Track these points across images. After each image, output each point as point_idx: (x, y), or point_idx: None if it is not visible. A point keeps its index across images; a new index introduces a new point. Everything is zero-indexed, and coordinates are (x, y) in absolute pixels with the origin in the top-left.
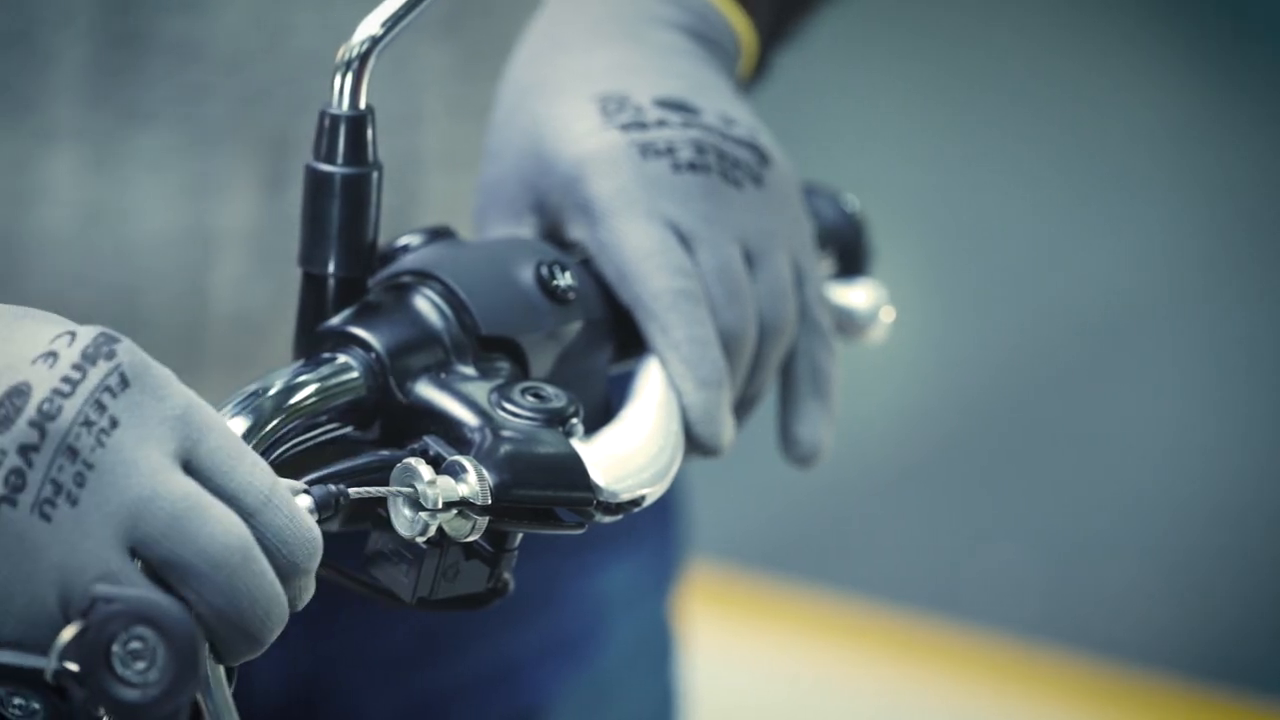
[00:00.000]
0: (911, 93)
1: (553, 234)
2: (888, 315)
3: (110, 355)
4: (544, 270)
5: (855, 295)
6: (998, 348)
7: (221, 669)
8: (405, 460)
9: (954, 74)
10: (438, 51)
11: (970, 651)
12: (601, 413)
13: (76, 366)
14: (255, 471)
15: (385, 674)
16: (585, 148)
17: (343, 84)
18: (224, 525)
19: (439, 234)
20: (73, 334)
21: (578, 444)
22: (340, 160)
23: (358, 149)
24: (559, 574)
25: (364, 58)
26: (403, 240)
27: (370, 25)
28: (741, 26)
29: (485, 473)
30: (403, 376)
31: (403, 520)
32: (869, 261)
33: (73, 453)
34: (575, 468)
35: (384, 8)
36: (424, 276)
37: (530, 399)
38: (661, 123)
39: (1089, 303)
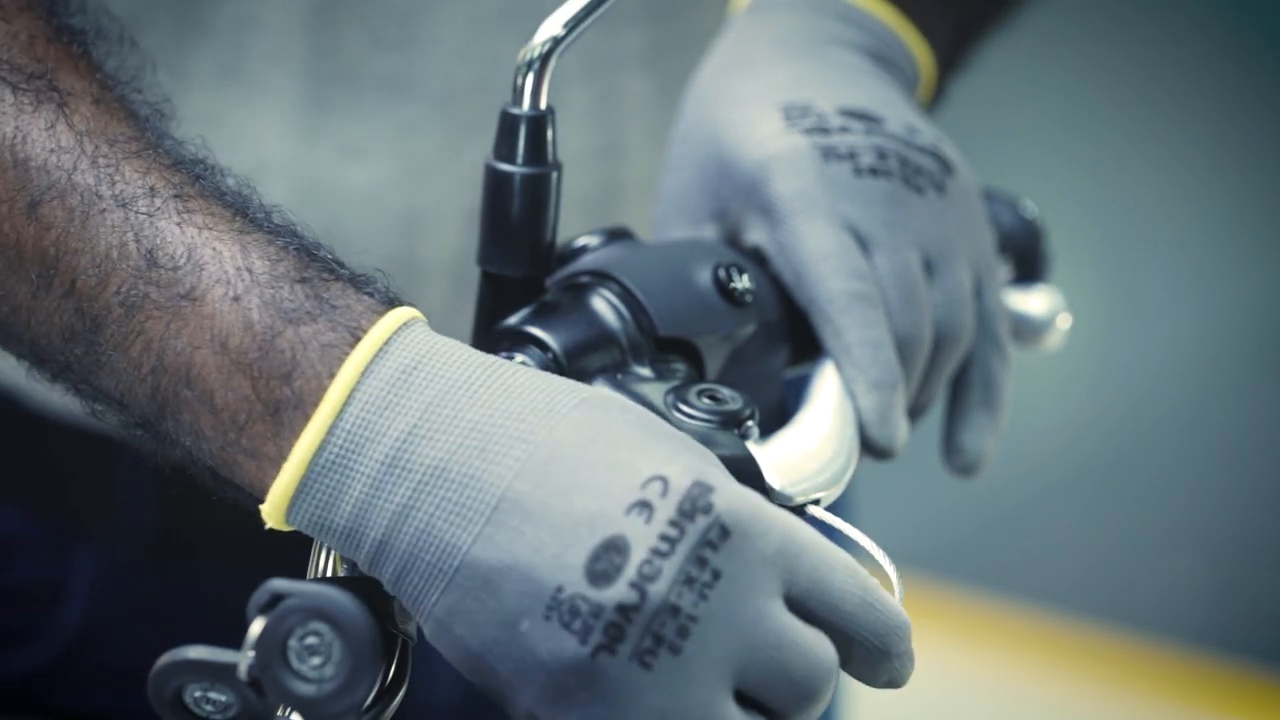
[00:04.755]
0: (1090, 99)
1: (732, 241)
2: (1064, 322)
3: (708, 509)
4: (722, 272)
5: (1032, 301)
6: (1169, 354)
7: None
8: None
9: (1135, 81)
10: (639, 83)
11: (1136, 660)
12: (777, 415)
13: (674, 523)
14: (849, 579)
15: None
16: (768, 150)
17: (524, 84)
18: (813, 658)
19: (617, 235)
20: (665, 481)
21: (753, 446)
22: (520, 160)
23: (538, 149)
24: None
25: (545, 58)
26: (581, 240)
27: (552, 26)
28: (921, 53)
29: None
30: (579, 376)
31: None
32: (1047, 268)
33: (674, 610)
34: (750, 470)
35: (565, 9)
36: (602, 277)
37: (706, 401)
38: (844, 129)
39: (1262, 310)
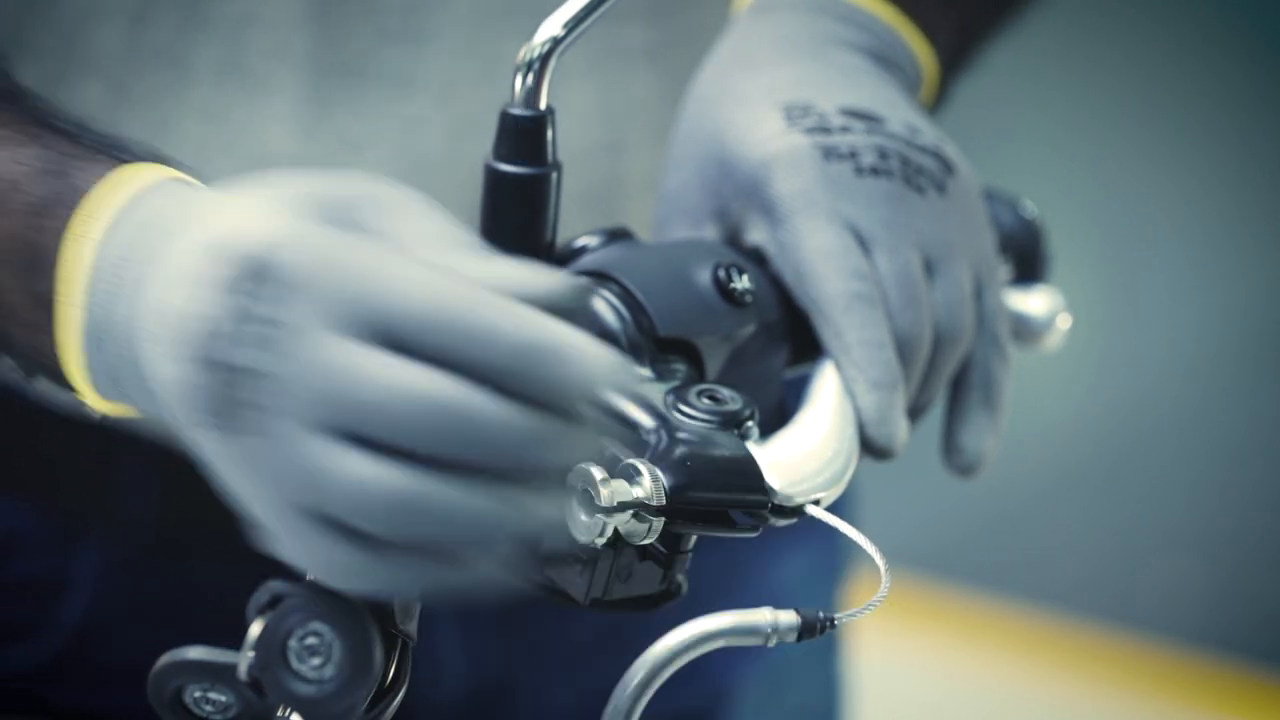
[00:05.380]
0: (1090, 100)
1: (733, 241)
2: (1064, 322)
3: (251, 259)
4: (721, 273)
5: (1032, 302)
6: (1169, 354)
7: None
8: (579, 465)
9: (1135, 81)
10: (642, 80)
11: (1136, 660)
12: (777, 416)
13: (225, 285)
14: (444, 310)
15: (569, 666)
16: (769, 150)
17: (523, 84)
18: (407, 394)
19: (617, 235)
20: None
21: (753, 447)
22: (519, 160)
23: (537, 149)
24: (738, 564)
25: (545, 59)
26: (580, 241)
27: (551, 26)
28: (923, 54)
29: (660, 475)
30: None
31: (579, 525)
32: (1046, 268)
33: (248, 372)
34: (750, 470)
35: (565, 9)
36: (601, 277)
37: (706, 401)
38: (845, 129)
39: (1262, 310)
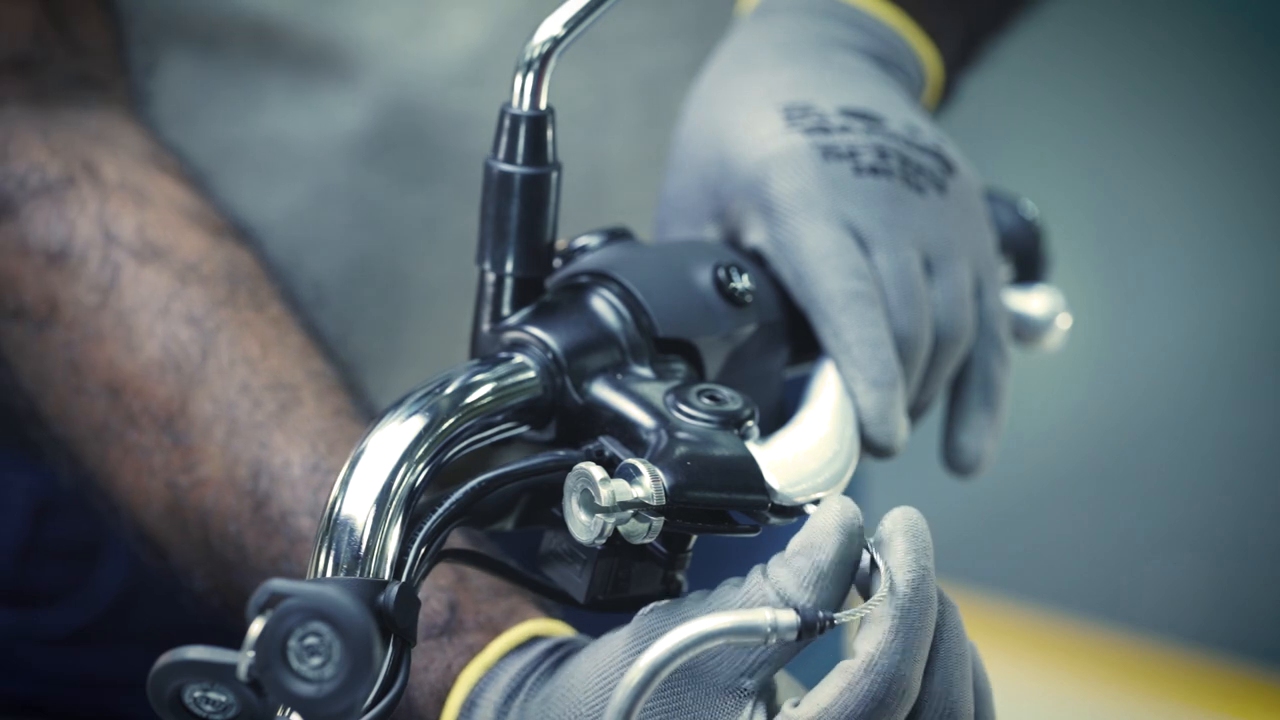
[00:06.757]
0: (1090, 100)
1: (732, 241)
2: (1064, 322)
3: None
4: (721, 273)
5: (1032, 302)
6: (1169, 354)
7: None
8: (579, 465)
9: (1136, 81)
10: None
11: (1136, 660)
12: (777, 415)
13: None
14: None
15: None
16: (768, 150)
17: (524, 84)
18: None
19: (617, 235)
20: None
21: (753, 446)
22: (520, 160)
23: (538, 149)
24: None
25: (545, 58)
26: (581, 241)
27: (551, 26)
28: (928, 56)
29: (660, 474)
30: (579, 377)
31: (579, 525)
32: (1047, 268)
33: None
34: (750, 470)
35: (565, 9)
36: (602, 277)
37: (706, 401)
38: (845, 129)
39: (1262, 310)
